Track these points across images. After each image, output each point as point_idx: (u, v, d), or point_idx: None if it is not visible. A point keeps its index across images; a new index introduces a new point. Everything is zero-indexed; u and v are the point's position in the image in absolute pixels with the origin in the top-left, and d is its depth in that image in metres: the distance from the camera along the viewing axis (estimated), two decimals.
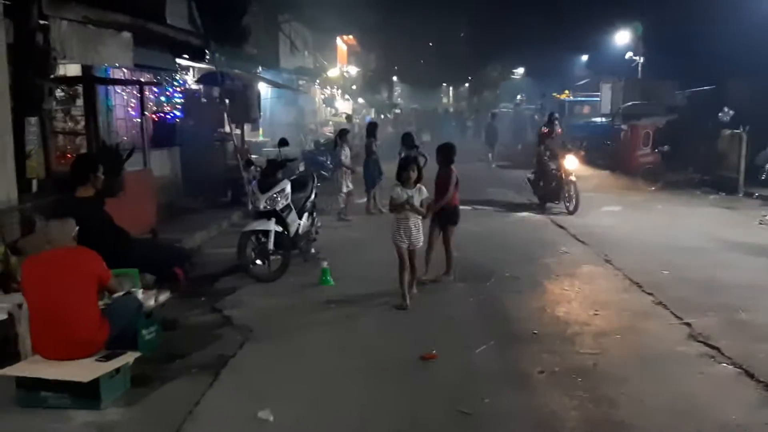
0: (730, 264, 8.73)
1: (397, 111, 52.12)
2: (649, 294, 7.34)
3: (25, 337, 5.42)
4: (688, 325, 6.26)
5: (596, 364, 5.37)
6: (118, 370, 4.85)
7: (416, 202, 6.98)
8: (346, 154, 12.76)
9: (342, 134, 13.16)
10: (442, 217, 7.99)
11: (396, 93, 63.60)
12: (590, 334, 6.15)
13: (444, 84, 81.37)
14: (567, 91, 28.62)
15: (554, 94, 27.65)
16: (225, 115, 14.15)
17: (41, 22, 8.31)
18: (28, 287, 5.00)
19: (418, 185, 7.07)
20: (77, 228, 5.33)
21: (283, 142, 9.23)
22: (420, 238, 7.11)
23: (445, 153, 8.16)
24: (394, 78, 60.34)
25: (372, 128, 14.08)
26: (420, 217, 7.06)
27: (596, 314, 6.70)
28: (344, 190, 12.58)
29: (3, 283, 6.35)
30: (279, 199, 8.23)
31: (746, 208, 13.43)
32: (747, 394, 4.88)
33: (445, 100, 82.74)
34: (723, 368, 5.31)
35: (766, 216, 12.09)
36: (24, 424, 4.54)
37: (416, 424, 4.49)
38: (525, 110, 30.71)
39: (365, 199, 13.46)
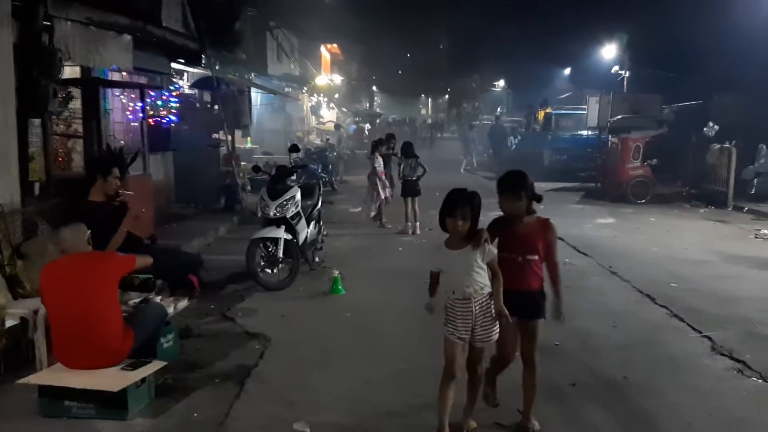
0: (737, 277, 8.79)
1: (378, 121, 52.16)
2: (663, 306, 7.34)
3: (41, 344, 5.26)
4: (709, 338, 6.25)
5: (626, 377, 5.33)
6: (143, 379, 4.70)
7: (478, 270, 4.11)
8: (379, 163, 12.70)
9: (377, 144, 13.09)
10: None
11: (376, 103, 63.65)
12: (613, 346, 6.11)
13: (423, 95, 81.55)
14: (541, 110, 26.74)
15: (544, 108, 26.87)
16: (221, 121, 14.00)
17: (46, 23, 8.16)
18: (49, 295, 4.79)
19: (482, 240, 4.08)
20: (89, 231, 5.18)
21: (294, 149, 9.11)
22: (491, 330, 4.18)
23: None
24: (374, 87, 60.39)
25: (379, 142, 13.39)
26: (487, 296, 4.14)
27: (615, 326, 6.68)
28: (381, 196, 12.60)
29: (10, 287, 6.18)
30: (289, 206, 8.10)
31: (738, 221, 13.56)
32: None
33: (423, 111, 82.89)
34: (753, 382, 5.28)
35: (761, 230, 12.21)
36: None
37: None
38: (504, 123, 30.90)
39: (359, 209, 13.51)
